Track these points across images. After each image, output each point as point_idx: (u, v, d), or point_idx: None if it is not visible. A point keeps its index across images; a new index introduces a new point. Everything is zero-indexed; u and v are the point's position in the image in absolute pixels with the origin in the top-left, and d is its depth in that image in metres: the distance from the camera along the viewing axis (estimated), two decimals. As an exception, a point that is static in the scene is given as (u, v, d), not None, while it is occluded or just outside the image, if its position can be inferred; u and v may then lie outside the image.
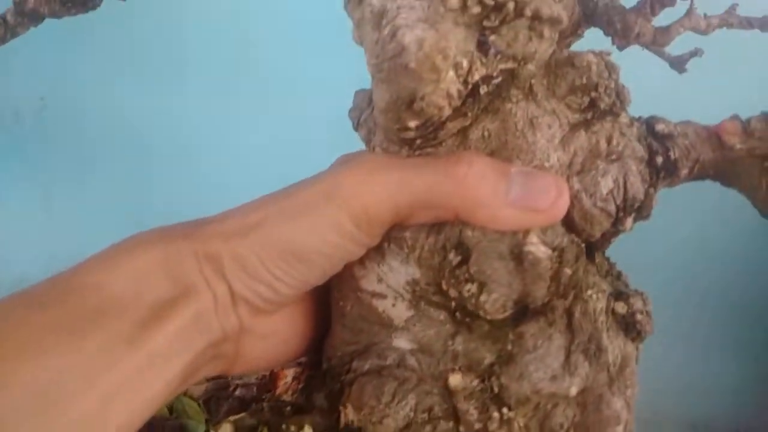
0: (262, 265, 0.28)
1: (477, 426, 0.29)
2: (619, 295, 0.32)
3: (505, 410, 0.29)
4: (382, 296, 0.30)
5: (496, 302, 0.28)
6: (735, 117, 0.31)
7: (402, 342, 0.31)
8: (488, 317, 0.29)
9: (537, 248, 0.28)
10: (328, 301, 0.33)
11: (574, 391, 0.29)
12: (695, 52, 0.41)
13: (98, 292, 0.25)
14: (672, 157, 0.30)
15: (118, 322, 0.25)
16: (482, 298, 0.28)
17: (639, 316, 0.31)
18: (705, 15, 0.42)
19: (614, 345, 0.30)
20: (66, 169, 1.00)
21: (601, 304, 0.31)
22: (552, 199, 0.27)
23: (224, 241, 0.28)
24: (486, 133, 0.29)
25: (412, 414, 0.29)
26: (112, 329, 0.24)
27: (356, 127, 0.34)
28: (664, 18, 0.38)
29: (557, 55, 0.29)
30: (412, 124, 0.27)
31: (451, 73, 0.26)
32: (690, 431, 0.99)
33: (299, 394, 0.35)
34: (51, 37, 0.97)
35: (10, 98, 0.99)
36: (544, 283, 0.29)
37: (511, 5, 0.25)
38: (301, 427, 0.31)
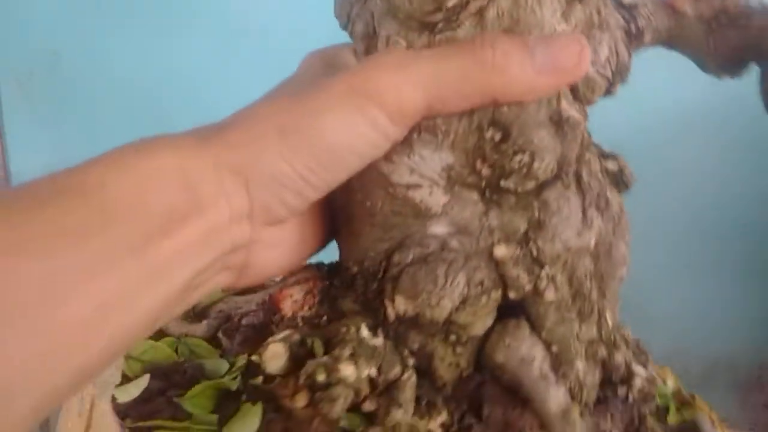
0: (293, 169, 0.27)
1: (528, 287, 0.31)
2: (605, 155, 0.35)
3: (546, 269, 0.31)
4: (418, 186, 0.31)
5: (547, 168, 0.30)
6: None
7: (439, 228, 0.31)
8: (527, 187, 0.30)
9: (573, 112, 0.30)
10: (330, 204, 0.33)
11: (593, 243, 0.33)
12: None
13: (102, 194, 0.23)
14: (639, 25, 0.34)
15: (123, 228, 0.23)
16: (535, 165, 0.29)
17: (627, 171, 0.35)
18: None
19: (613, 197, 0.34)
20: (80, 125, 0.96)
21: (597, 165, 0.34)
22: (576, 54, 0.29)
23: (250, 148, 0.27)
24: (500, 12, 0.30)
25: (466, 290, 0.31)
26: (116, 235, 0.23)
27: (346, 24, 0.33)
28: None
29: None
30: (452, 2, 0.28)
31: None
32: (713, 367, 1.02)
33: (318, 307, 0.34)
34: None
35: (22, 54, 0.97)
36: (576, 145, 0.31)
37: None
38: (359, 327, 0.31)
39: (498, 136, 0.30)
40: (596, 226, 0.33)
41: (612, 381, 0.35)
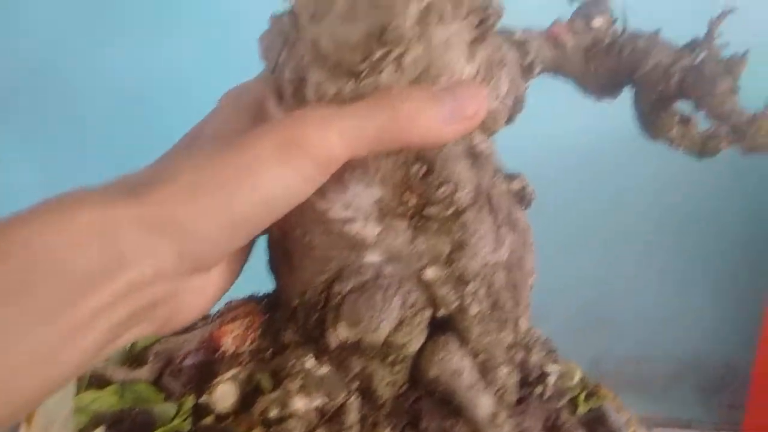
0: (221, 223, 0.28)
1: (455, 304, 0.34)
2: (509, 176, 0.39)
3: (470, 285, 0.34)
4: (352, 220, 0.33)
5: (467, 196, 0.33)
6: (559, 20, 0.39)
7: (373, 257, 0.34)
8: (447, 213, 0.33)
9: (485, 145, 0.33)
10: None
11: (505, 256, 0.36)
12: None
13: (24, 254, 0.24)
14: (530, 59, 0.38)
15: (42, 291, 0.24)
16: (457, 195, 0.32)
17: (528, 189, 0.39)
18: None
19: (519, 214, 0.38)
20: (64, 140, 0.98)
21: (505, 186, 0.38)
22: (477, 103, 0.32)
23: (178, 203, 0.27)
24: (415, 58, 0.33)
25: (401, 312, 0.33)
26: (32, 301, 0.23)
27: (274, 69, 0.35)
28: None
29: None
30: (379, 53, 0.30)
31: (415, 2, 0.29)
32: (679, 369, 1.03)
33: (260, 340, 0.36)
34: (41, 8, 0.95)
35: (5, 72, 1.01)
36: (489, 173, 0.34)
37: None
38: (304, 359, 0.33)
39: (423, 170, 0.32)
40: (508, 242, 0.36)
41: (529, 381, 0.38)
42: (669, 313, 1.04)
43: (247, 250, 0.35)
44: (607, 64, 0.39)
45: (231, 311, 0.38)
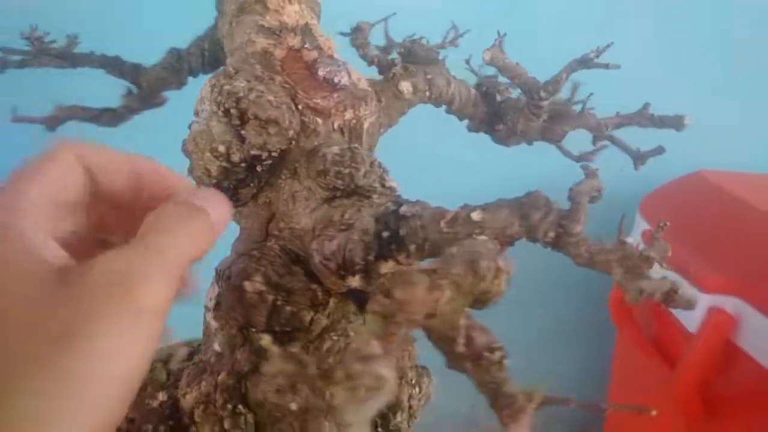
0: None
1: (222, 409, 0.39)
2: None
3: (240, 406, 0.38)
4: (208, 309, 0.42)
5: (220, 319, 0.38)
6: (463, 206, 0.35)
7: (216, 345, 0.42)
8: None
9: (251, 285, 0.37)
10: None
11: (294, 407, 0.37)
12: (659, 151, 0.44)
13: None
14: (400, 234, 0.36)
15: None
16: (207, 317, 0.38)
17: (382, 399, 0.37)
18: (617, 113, 0.45)
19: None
20: None
21: (340, 345, 0.38)
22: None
23: None
24: (267, 199, 0.39)
25: (199, 395, 0.41)
26: None
27: None
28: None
29: (317, 147, 0.38)
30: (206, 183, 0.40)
31: (208, 154, 0.38)
32: None
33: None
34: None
35: None
36: (259, 312, 0.37)
37: (234, 111, 0.37)
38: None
39: None
40: (303, 395, 0.37)
41: None
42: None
43: None
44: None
45: None
